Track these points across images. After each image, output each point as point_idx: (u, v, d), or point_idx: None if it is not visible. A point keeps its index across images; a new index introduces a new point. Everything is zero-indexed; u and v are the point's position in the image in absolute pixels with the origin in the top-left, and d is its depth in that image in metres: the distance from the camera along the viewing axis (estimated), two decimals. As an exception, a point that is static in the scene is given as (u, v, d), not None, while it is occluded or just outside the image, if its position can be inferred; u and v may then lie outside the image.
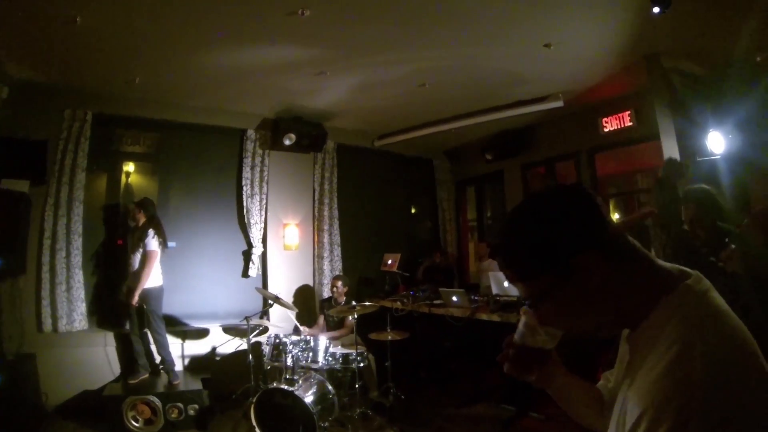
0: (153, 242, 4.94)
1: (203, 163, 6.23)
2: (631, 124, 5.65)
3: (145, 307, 4.97)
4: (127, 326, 5.10)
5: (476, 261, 7.14)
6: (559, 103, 5.55)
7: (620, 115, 5.74)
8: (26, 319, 5.13)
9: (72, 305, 5.22)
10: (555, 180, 6.86)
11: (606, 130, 5.89)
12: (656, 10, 3.47)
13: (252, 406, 4.26)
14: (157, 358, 5.22)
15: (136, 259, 4.97)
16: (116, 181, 5.91)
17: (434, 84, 5.36)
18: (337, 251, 6.86)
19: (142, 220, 5.05)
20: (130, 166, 6.00)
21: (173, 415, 4.63)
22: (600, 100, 5.81)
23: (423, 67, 4.95)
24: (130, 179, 5.99)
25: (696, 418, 0.67)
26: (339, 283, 5.74)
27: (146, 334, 5.16)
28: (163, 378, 5.10)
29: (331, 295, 5.94)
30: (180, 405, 4.66)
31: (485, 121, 6.17)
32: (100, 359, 5.30)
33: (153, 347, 5.19)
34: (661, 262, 0.90)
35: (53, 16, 3.77)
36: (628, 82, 5.27)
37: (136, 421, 4.55)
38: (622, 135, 5.78)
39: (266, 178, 6.38)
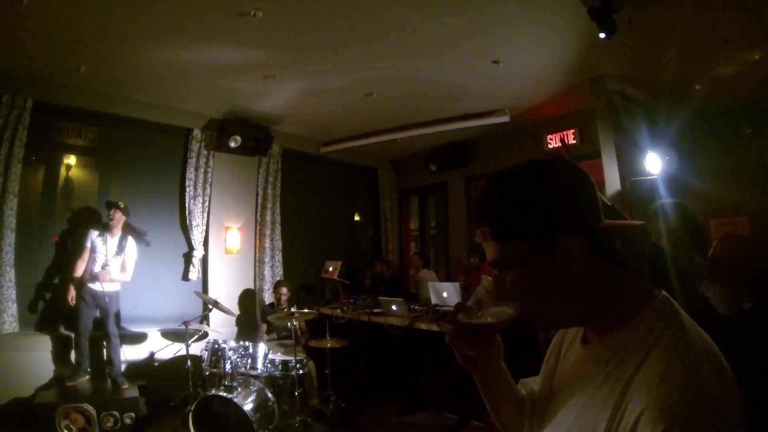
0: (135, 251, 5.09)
1: (146, 161, 6.03)
2: (575, 141, 5.86)
3: (110, 310, 4.92)
4: (82, 323, 4.90)
5: (413, 272, 7.24)
6: (506, 119, 5.69)
7: (565, 132, 5.94)
8: None
9: (2, 306, 4.90)
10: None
11: (550, 146, 6.07)
12: (602, 35, 3.60)
13: (190, 414, 4.18)
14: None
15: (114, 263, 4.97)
16: (55, 174, 5.60)
17: (382, 94, 5.42)
18: (279, 257, 6.82)
19: (121, 223, 4.99)
20: (70, 160, 5.71)
21: (109, 424, 4.47)
22: (546, 118, 6.00)
23: (371, 76, 5.00)
24: (70, 173, 5.71)
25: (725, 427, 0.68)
26: (284, 289, 5.72)
27: (96, 337, 5.08)
28: (98, 385, 4.95)
29: (273, 301, 5.88)
30: (116, 413, 4.50)
31: (431, 132, 6.28)
32: (32, 364, 5.01)
33: (104, 350, 5.13)
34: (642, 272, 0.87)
35: None
36: (574, 101, 5.47)
37: (70, 430, 4.37)
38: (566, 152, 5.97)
39: (210, 179, 6.26)
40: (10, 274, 4.98)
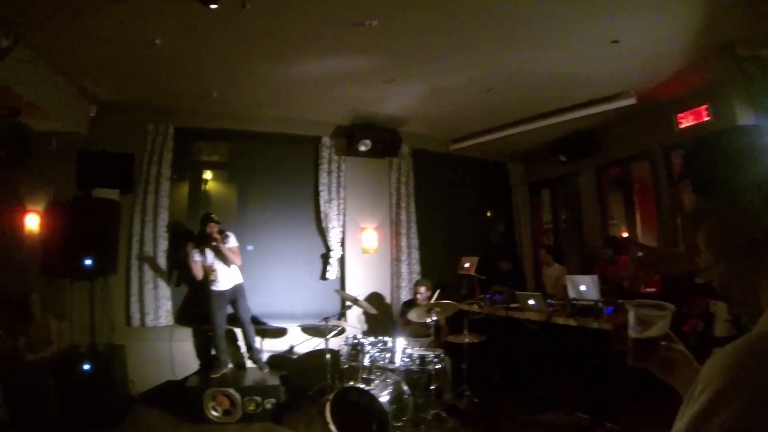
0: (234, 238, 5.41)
1: (280, 170, 6.47)
2: (708, 118, 5.38)
3: (239, 300, 5.37)
4: (216, 323, 5.34)
5: (544, 267, 6.93)
6: (631, 101, 5.37)
7: (697, 110, 5.48)
8: (116, 314, 5.63)
9: (158, 302, 5.65)
10: (629, 182, 6.61)
11: (682, 126, 5.63)
12: (725, -5, 3.36)
13: (328, 403, 4.36)
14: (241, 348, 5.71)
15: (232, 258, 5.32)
16: (197, 188, 6.33)
17: (502, 87, 5.35)
18: (415, 255, 6.85)
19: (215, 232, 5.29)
20: (209, 175, 6.41)
21: (251, 408, 4.88)
22: (674, 96, 5.59)
23: (491, 71, 4.95)
24: (210, 187, 6.41)
25: None
26: (422, 288, 5.69)
27: (231, 330, 5.57)
28: (242, 373, 5.46)
29: (412, 298, 5.92)
30: (258, 398, 4.90)
31: (556, 122, 6.07)
32: (183, 353, 5.69)
33: (241, 340, 5.67)
34: None
35: (134, 40, 4.13)
36: (703, 74, 5.05)
37: (216, 411, 4.85)
38: (699, 131, 5.52)
39: (343, 183, 6.50)
40: (165, 275, 5.73)
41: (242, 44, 4.31)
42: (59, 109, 5.04)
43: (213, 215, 5.31)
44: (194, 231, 5.66)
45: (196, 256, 5.25)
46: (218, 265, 5.31)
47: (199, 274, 5.26)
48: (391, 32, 4.12)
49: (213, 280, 5.29)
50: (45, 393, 4.64)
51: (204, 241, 5.23)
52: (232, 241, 5.34)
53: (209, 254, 5.28)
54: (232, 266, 5.34)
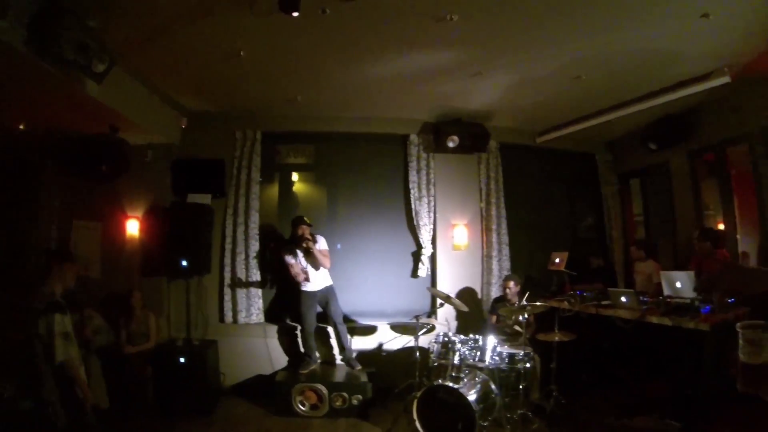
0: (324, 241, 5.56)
1: (368, 169, 6.56)
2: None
3: (331, 302, 5.55)
4: (306, 322, 5.53)
5: (636, 263, 6.59)
6: (726, 79, 4.97)
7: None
8: (210, 311, 6.03)
9: (250, 301, 5.97)
10: (725, 168, 6.15)
11: None
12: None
13: (415, 401, 4.40)
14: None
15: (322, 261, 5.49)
16: (286, 190, 6.58)
17: (590, 74, 5.14)
18: (506, 250, 6.69)
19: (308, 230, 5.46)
20: (297, 177, 6.64)
21: (338, 403, 5.05)
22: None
23: (576, 58, 4.77)
24: (298, 188, 6.65)
25: None
26: (511, 283, 5.63)
27: (323, 328, 5.78)
28: (329, 369, 5.63)
29: (502, 294, 5.86)
30: (345, 394, 5.06)
31: (645, 108, 5.74)
32: (273, 349, 5.99)
33: (333, 338, 5.90)
34: None
35: (219, 53, 4.37)
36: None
37: (303, 405, 5.08)
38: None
39: (433, 180, 6.46)
40: (256, 275, 6.02)
41: (324, 48, 4.41)
42: (153, 123, 5.48)
43: (305, 218, 5.50)
44: (284, 233, 5.90)
45: (291, 259, 5.44)
46: (309, 268, 5.48)
47: (300, 275, 5.43)
48: (472, 25, 4.07)
49: (304, 281, 5.48)
50: (143, 383, 5.11)
51: (295, 243, 5.41)
52: (322, 244, 5.50)
53: (300, 256, 5.47)
54: (321, 269, 5.49)
